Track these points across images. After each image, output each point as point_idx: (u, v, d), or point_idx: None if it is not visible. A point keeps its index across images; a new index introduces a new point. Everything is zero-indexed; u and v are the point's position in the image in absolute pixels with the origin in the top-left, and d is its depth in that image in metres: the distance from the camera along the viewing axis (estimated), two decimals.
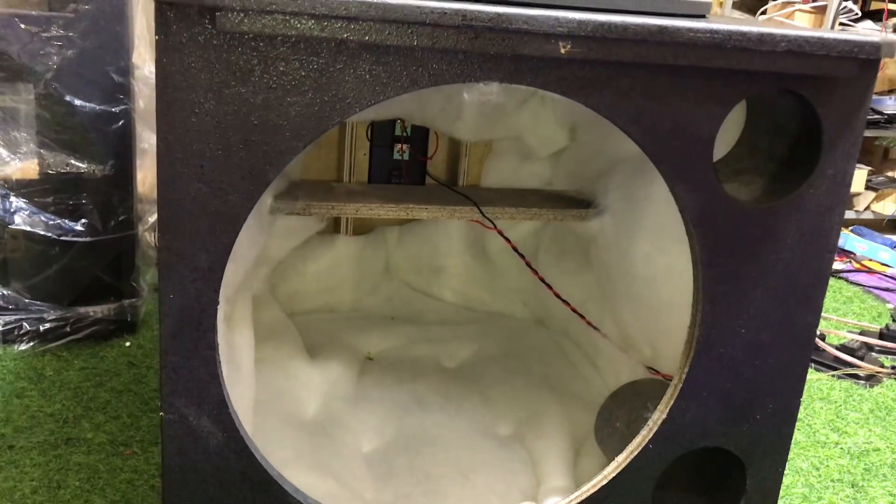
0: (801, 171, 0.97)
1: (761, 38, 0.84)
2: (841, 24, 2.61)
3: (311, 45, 0.78)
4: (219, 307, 0.85)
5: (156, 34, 0.76)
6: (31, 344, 1.53)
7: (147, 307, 1.70)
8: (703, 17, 0.98)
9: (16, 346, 1.52)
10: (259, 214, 1.21)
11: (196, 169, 0.80)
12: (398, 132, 1.59)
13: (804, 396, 1.60)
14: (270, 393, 1.27)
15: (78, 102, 1.46)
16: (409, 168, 1.61)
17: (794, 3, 2.60)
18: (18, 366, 1.48)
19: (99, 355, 1.53)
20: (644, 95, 0.87)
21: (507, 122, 1.57)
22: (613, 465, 1.02)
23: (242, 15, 0.74)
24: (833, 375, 1.72)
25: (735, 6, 2.77)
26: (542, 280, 1.54)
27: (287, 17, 0.75)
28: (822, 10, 2.56)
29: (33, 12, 1.40)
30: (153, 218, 1.67)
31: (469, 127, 1.55)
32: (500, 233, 1.54)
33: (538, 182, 1.64)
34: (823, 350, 1.78)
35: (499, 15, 0.77)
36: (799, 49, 0.85)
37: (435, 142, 1.62)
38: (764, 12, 2.66)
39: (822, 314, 2.06)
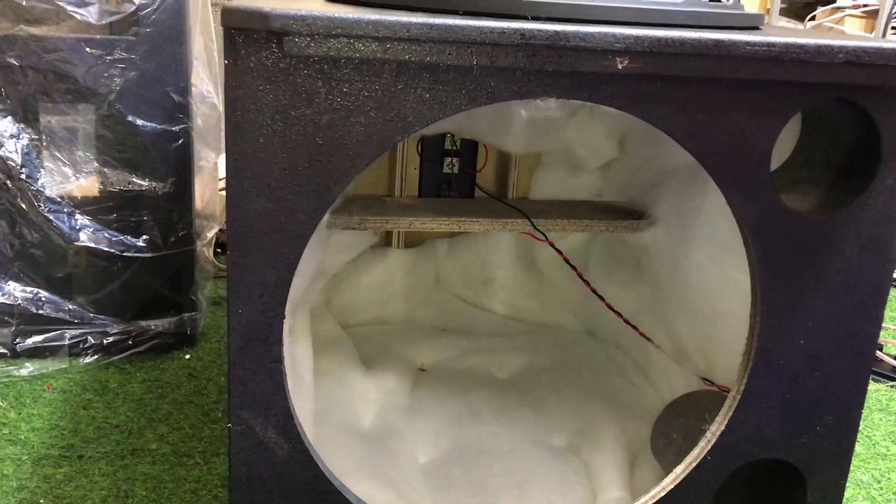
0: (860, 180, 0.96)
1: (819, 49, 0.84)
2: (893, 27, 2.57)
3: (373, 66, 0.80)
4: (284, 321, 0.88)
5: (224, 59, 0.79)
6: (96, 357, 1.58)
7: (206, 320, 1.74)
8: (756, 28, 0.99)
9: (81, 359, 1.57)
10: (317, 229, 1.23)
11: (264, 188, 0.82)
12: (448, 146, 1.61)
13: (863, 408, 1.57)
14: (328, 404, 1.30)
15: (139, 122, 1.50)
16: (458, 181, 1.63)
17: (843, 8, 2.57)
18: (84, 378, 1.52)
19: (160, 367, 1.58)
20: (701, 109, 0.87)
21: (557, 135, 1.58)
22: (671, 476, 1.02)
23: (309, 39, 0.76)
24: (892, 386, 1.69)
25: (782, 13, 2.74)
26: (594, 291, 1.54)
27: (351, 41, 0.77)
28: (873, 14, 2.52)
29: (97, 36, 1.45)
30: (211, 233, 1.71)
31: (518, 140, 1.56)
32: (552, 245, 1.54)
33: (587, 194, 1.65)
34: (882, 360, 1.75)
35: (556, 33, 0.79)
36: (857, 60, 0.85)
37: (484, 155, 1.63)
38: (813, 18, 2.63)
39: (882, 324, 2.02)
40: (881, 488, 1.34)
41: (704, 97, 0.87)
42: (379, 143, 0.83)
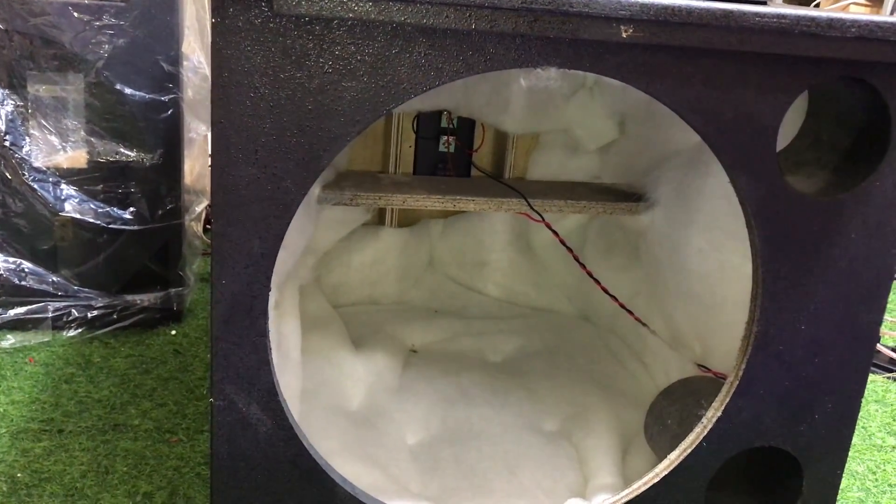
0: (867, 163, 0.93)
1: (830, 23, 0.81)
2: None
3: (367, 28, 0.77)
4: (270, 294, 0.85)
5: (212, 17, 0.76)
6: (80, 330, 1.55)
7: (193, 297, 1.71)
8: (763, 2, 0.96)
9: (64, 333, 1.54)
10: (308, 204, 1.20)
11: (250, 154, 0.79)
12: (444, 124, 1.58)
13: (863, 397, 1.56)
14: (316, 383, 1.27)
15: (128, 91, 1.47)
16: (454, 160, 1.60)
17: None
18: (67, 352, 1.49)
19: (145, 343, 1.55)
20: (706, 83, 0.84)
21: (555, 115, 1.55)
22: (666, 462, 1.00)
23: None
24: (889, 377, 1.67)
25: (785, 0, 2.71)
26: (590, 275, 1.51)
27: (344, 0, 0.73)
28: (878, 3, 2.49)
29: (85, 1, 1.41)
30: (200, 208, 1.68)
31: (516, 119, 1.53)
32: (549, 226, 1.51)
33: (585, 175, 1.61)
34: (878, 351, 1.73)
35: None
36: (870, 35, 0.82)
37: (481, 134, 1.60)
38: (817, 6, 2.59)
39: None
40: (876, 479, 1.32)
41: (710, 71, 0.84)
42: (371, 109, 0.79)
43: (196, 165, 1.68)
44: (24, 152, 1.46)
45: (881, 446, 1.42)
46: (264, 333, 0.85)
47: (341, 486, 0.92)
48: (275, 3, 0.73)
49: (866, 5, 2.54)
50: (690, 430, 1.00)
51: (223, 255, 0.82)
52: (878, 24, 0.81)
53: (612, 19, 0.77)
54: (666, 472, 0.99)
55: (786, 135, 1.02)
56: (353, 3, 0.74)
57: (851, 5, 2.53)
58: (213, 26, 0.76)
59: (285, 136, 0.79)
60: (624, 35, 0.78)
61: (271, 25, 0.75)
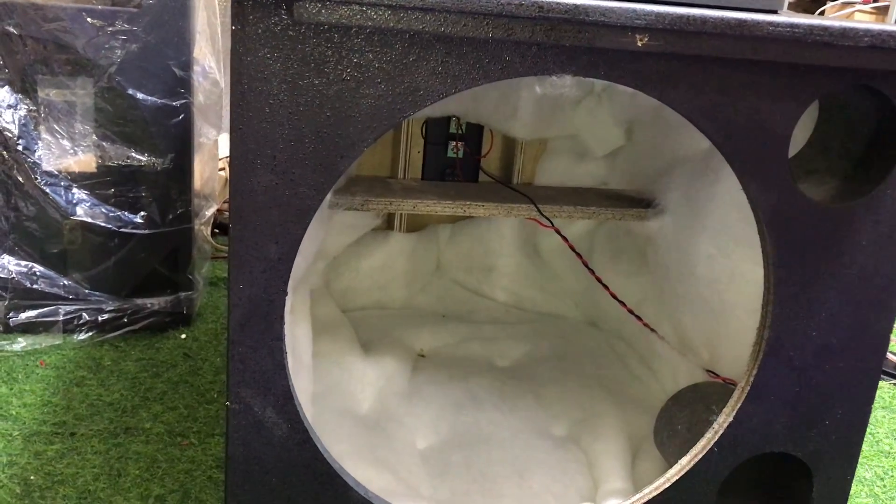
0: (878, 171, 0.94)
1: (843, 32, 0.82)
2: None
3: (385, 36, 0.77)
4: (286, 299, 0.85)
5: (232, 25, 0.76)
6: (90, 334, 1.55)
7: (202, 301, 1.72)
8: (775, 12, 0.96)
9: (75, 336, 1.54)
10: (320, 208, 1.21)
11: (268, 160, 0.80)
12: (453, 129, 1.59)
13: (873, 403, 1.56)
14: (326, 386, 1.28)
15: (140, 96, 1.47)
16: (463, 166, 1.60)
17: (853, 3, 2.55)
18: (78, 355, 1.50)
19: (155, 346, 1.55)
20: (719, 91, 0.85)
21: (563, 121, 1.55)
22: (676, 468, 1.00)
23: (320, 6, 0.74)
24: None
25: (791, 7, 2.72)
26: (600, 281, 1.52)
27: (364, 8, 0.74)
28: (883, 10, 2.50)
29: (99, 6, 1.42)
30: (209, 212, 1.69)
31: (524, 125, 1.54)
32: (558, 231, 1.52)
33: (593, 181, 1.62)
34: (886, 357, 1.73)
35: (576, 6, 0.76)
36: (883, 44, 0.82)
37: (489, 140, 1.61)
38: (822, 13, 2.60)
39: None
40: (884, 485, 1.32)
41: (724, 79, 0.84)
42: (388, 116, 0.80)
43: (206, 169, 1.68)
44: (36, 156, 1.47)
45: (889, 452, 1.42)
46: (280, 338, 0.86)
47: (355, 490, 0.93)
48: (295, 11, 0.74)
49: (871, 13, 2.55)
50: (701, 435, 1.01)
51: (241, 259, 0.83)
52: (890, 34, 0.82)
53: (628, 28, 0.78)
54: (677, 478, 1.00)
55: (796, 142, 1.02)
56: (372, 12, 0.75)
57: (856, 13, 2.54)
58: (233, 34, 0.76)
59: (303, 142, 0.80)
60: (639, 44, 0.79)
61: (291, 33, 0.76)
